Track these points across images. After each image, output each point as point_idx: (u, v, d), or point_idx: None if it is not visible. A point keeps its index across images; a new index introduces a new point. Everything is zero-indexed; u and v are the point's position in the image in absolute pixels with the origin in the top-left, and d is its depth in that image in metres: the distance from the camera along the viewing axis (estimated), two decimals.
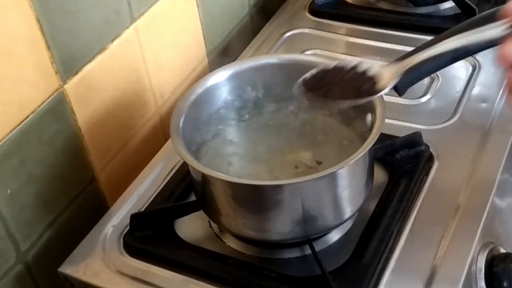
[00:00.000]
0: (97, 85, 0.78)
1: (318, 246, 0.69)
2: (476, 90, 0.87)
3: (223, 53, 1.03)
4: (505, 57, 0.53)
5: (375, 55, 0.95)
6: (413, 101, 0.86)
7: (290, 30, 1.04)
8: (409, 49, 0.69)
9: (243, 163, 0.70)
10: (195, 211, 0.72)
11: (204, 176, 0.65)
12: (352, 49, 0.99)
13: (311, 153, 0.70)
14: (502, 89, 0.58)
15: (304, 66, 0.74)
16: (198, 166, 0.63)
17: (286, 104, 0.75)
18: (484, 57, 0.91)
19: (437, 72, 0.84)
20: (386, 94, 0.67)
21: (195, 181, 0.68)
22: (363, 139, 0.63)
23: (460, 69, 0.91)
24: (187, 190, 0.77)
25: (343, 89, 0.60)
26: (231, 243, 0.71)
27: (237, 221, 0.67)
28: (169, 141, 0.84)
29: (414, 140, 0.77)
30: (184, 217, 0.73)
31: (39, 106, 0.70)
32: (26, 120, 0.69)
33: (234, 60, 0.87)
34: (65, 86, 0.73)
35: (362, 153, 0.62)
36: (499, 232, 0.74)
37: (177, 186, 0.78)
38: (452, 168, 0.76)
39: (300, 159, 0.70)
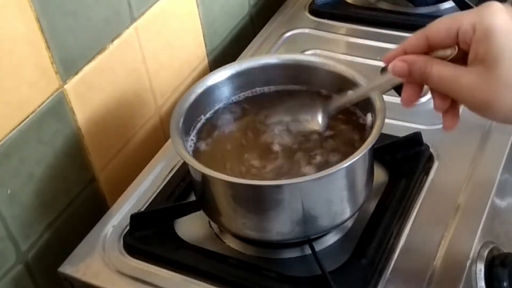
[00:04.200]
0: (97, 85, 0.78)
1: (318, 246, 0.69)
2: None
3: (223, 53, 1.03)
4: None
5: (375, 55, 0.95)
6: None
7: (290, 30, 1.03)
8: None
9: (242, 162, 0.70)
10: (195, 211, 0.72)
11: (204, 176, 0.65)
12: (352, 49, 0.99)
13: (311, 152, 0.70)
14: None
15: (304, 66, 0.74)
16: (198, 166, 0.63)
17: (286, 104, 0.75)
18: None
19: None
20: (386, 94, 0.68)
21: (195, 181, 0.68)
22: (363, 139, 0.63)
23: None
24: (187, 190, 0.77)
25: None
26: (231, 243, 0.71)
27: (237, 221, 0.67)
28: (169, 141, 0.84)
29: (414, 140, 0.77)
30: (184, 217, 0.73)
31: (39, 106, 0.70)
32: (26, 120, 0.69)
33: (234, 60, 0.87)
34: (65, 86, 0.73)
35: (362, 153, 0.62)
36: (499, 232, 0.74)
37: (177, 186, 0.78)
38: (452, 168, 0.76)
39: (300, 158, 0.70)
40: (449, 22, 0.54)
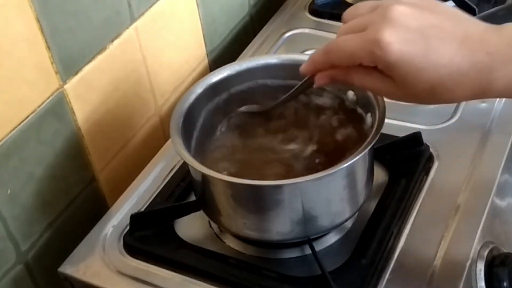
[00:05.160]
0: (97, 85, 0.78)
1: (318, 246, 0.69)
2: None
3: (223, 53, 1.03)
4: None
5: None
6: None
7: (290, 30, 1.04)
8: None
9: (241, 162, 0.70)
10: (195, 211, 0.72)
11: (204, 176, 0.65)
12: None
13: (311, 152, 0.70)
14: None
15: None
16: (198, 166, 0.63)
17: (286, 104, 0.75)
18: None
19: None
20: None
21: (195, 181, 0.68)
22: (363, 139, 0.63)
23: None
24: (187, 190, 0.77)
25: None
26: (231, 243, 0.71)
27: (237, 221, 0.67)
28: (169, 141, 0.84)
29: (414, 140, 0.77)
30: (184, 217, 0.73)
31: (39, 106, 0.70)
32: (26, 120, 0.69)
33: (234, 60, 0.87)
34: (65, 86, 0.73)
35: (362, 153, 0.62)
36: (499, 232, 0.74)
37: (177, 186, 0.78)
38: (452, 168, 0.76)
39: (300, 158, 0.70)
40: (348, 54, 0.56)
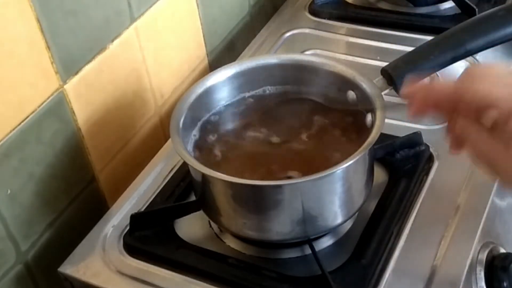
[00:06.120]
0: (97, 85, 0.78)
1: (318, 246, 0.69)
2: None
3: (223, 53, 1.03)
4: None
5: (375, 55, 0.95)
6: None
7: (290, 30, 1.04)
8: (409, 49, 0.69)
9: (242, 162, 0.70)
10: (195, 211, 0.72)
11: (204, 176, 0.65)
12: (352, 49, 0.99)
13: (311, 152, 0.70)
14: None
15: (304, 66, 0.74)
16: (198, 166, 0.63)
17: (286, 104, 0.75)
18: (484, 57, 0.91)
19: (437, 72, 0.84)
20: (386, 94, 0.68)
21: (195, 181, 0.68)
22: (363, 139, 0.63)
23: (460, 69, 0.90)
24: (187, 190, 0.77)
25: None
26: (231, 243, 0.71)
27: (237, 221, 0.67)
28: (169, 141, 0.84)
29: (414, 140, 0.77)
30: (184, 217, 0.73)
31: (39, 106, 0.70)
32: (26, 120, 0.69)
33: (234, 60, 0.87)
34: (65, 86, 0.73)
35: (362, 153, 0.62)
36: (499, 232, 0.74)
37: (177, 186, 0.78)
38: (452, 168, 0.76)
39: (300, 158, 0.70)
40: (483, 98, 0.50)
